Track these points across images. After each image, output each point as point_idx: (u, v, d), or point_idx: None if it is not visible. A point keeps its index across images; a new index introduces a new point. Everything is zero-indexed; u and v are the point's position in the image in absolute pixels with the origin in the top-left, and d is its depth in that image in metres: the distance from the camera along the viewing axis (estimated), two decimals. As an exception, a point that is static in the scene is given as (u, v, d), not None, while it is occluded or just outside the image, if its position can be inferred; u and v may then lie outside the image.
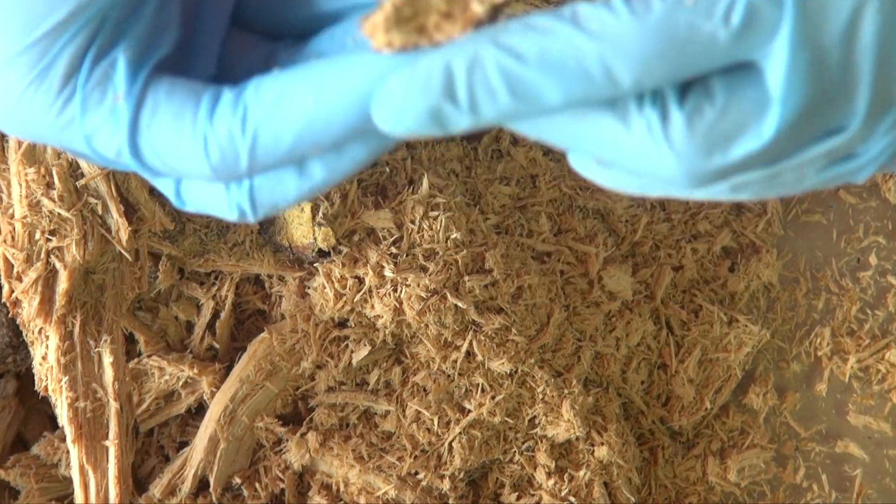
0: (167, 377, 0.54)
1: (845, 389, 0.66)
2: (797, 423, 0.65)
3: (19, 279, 0.47)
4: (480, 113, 0.28)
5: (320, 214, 0.52)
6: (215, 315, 0.56)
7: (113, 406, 0.49)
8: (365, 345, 0.55)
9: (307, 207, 0.51)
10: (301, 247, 0.53)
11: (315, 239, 0.52)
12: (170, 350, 0.55)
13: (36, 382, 0.49)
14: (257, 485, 0.54)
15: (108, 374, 0.49)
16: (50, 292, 0.47)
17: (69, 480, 0.52)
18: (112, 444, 0.49)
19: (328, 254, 0.53)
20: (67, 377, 0.48)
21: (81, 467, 0.49)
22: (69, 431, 0.48)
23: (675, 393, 0.62)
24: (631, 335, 0.61)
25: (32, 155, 0.46)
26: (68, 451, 0.51)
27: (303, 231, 0.52)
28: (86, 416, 0.49)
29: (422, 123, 0.28)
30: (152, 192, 0.51)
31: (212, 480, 0.54)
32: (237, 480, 0.54)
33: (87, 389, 0.49)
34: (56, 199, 0.46)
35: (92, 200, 0.47)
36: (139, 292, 0.51)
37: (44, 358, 0.48)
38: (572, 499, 0.56)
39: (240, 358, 0.55)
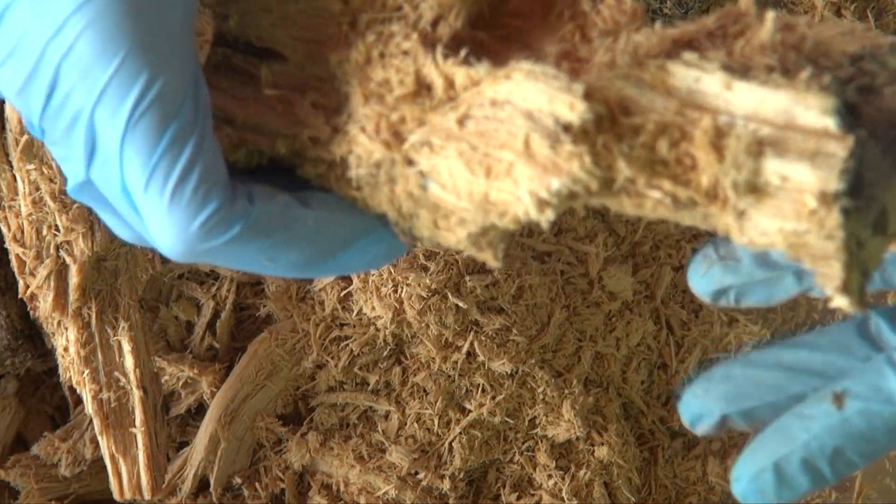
0: (167, 377, 0.54)
1: (845, 390, 0.66)
2: (797, 424, 0.65)
3: (32, 275, 0.46)
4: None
5: (321, 213, 0.52)
6: (215, 315, 0.56)
7: (136, 394, 0.48)
8: (365, 345, 0.54)
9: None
10: (302, 246, 0.53)
11: (316, 238, 0.52)
12: (170, 350, 0.55)
13: (61, 374, 0.49)
14: (257, 485, 0.54)
15: (129, 361, 0.48)
16: (64, 285, 0.47)
17: (69, 480, 0.52)
18: (139, 432, 0.48)
19: (329, 253, 0.53)
20: (89, 369, 0.48)
21: (112, 456, 0.48)
22: (96, 423, 0.48)
23: (676, 393, 0.62)
24: (631, 335, 0.61)
25: (31, 151, 0.46)
26: (69, 450, 0.51)
27: (304, 230, 0.52)
28: (111, 405, 0.48)
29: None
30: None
31: (212, 480, 0.54)
32: (237, 480, 0.54)
33: (109, 379, 0.48)
34: (58, 194, 0.46)
35: (96, 191, 0.47)
36: (153, 273, 0.50)
37: (65, 349, 0.48)
38: (573, 499, 0.56)
39: (240, 358, 0.55)
